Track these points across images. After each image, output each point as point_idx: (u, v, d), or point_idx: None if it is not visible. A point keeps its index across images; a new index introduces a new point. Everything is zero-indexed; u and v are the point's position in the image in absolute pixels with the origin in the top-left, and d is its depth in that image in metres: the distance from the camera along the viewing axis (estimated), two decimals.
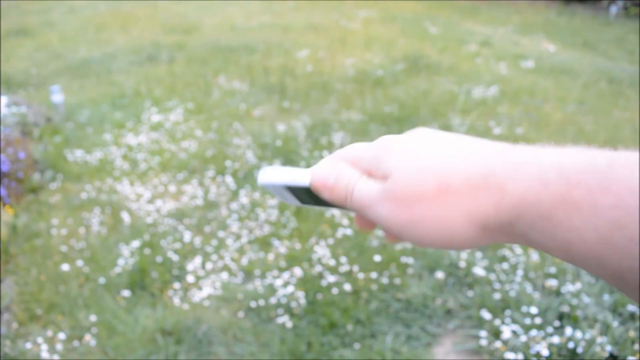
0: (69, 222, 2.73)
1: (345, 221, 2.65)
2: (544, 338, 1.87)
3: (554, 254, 0.27)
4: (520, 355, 1.80)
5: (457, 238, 0.30)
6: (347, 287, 2.17)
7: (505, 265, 2.28)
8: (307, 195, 0.42)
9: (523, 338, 1.87)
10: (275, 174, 0.42)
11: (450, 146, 0.31)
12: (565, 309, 2.00)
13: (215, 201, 2.92)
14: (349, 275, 2.25)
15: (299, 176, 0.40)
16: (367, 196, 0.33)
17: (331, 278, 2.23)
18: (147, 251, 2.45)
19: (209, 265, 2.36)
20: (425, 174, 0.30)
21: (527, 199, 0.27)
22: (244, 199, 2.91)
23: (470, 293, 2.13)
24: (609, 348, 1.79)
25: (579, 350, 1.80)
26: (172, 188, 3.08)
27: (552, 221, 0.26)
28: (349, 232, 2.55)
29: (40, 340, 1.96)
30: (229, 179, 3.13)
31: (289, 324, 2.00)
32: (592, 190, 0.25)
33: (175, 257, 2.41)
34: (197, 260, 2.40)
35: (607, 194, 0.24)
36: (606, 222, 0.24)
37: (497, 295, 2.09)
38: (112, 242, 2.55)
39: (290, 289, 2.18)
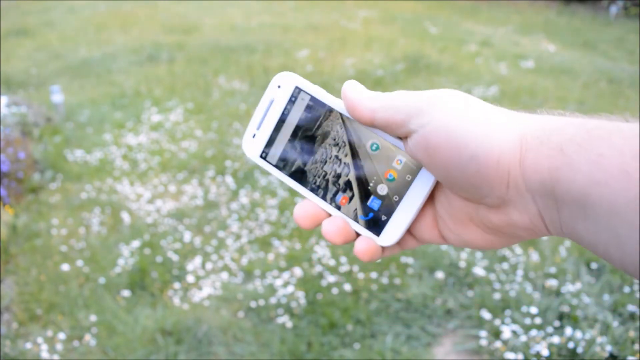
0: (69, 222, 2.73)
1: None
2: (544, 338, 1.87)
3: (580, 169, 0.27)
4: (520, 355, 1.80)
5: (495, 135, 0.30)
6: (347, 287, 2.17)
7: (505, 265, 2.28)
8: (305, 136, 0.39)
9: (523, 338, 1.87)
10: (308, 83, 0.39)
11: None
12: (565, 309, 2.00)
13: (215, 201, 2.92)
14: (349, 275, 2.25)
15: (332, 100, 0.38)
16: (405, 91, 0.35)
17: (331, 278, 2.23)
18: (147, 251, 2.45)
19: (209, 265, 2.36)
20: (480, 102, 0.33)
21: (574, 121, 0.30)
22: (244, 199, 2.91)
23: (470, 293, 2.13)
24: (609, 348, 1.79)
25: (579, 350, 1.80)
26: (172, 188, 3.08)
27: (592, 135, 0.28)
28: None
29: (40, 340, 1.96)
30: (229, 179, 3.13)
31: (289, 324, 2.00)
32: (633, 123, 0.28)
33: (175, 257, 2.41)
34: (197, 260, 2.40)
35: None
36: None
37: (497, 295, 2.09)
38: (112, 242, 2.55)
39: (290, 289, 2.18)
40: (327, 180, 0.39)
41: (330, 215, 0.39)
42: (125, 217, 2.76)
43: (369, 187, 0.38)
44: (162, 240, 2.54)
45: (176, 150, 3.56)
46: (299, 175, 0.39)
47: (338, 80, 4.93)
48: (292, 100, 0.39)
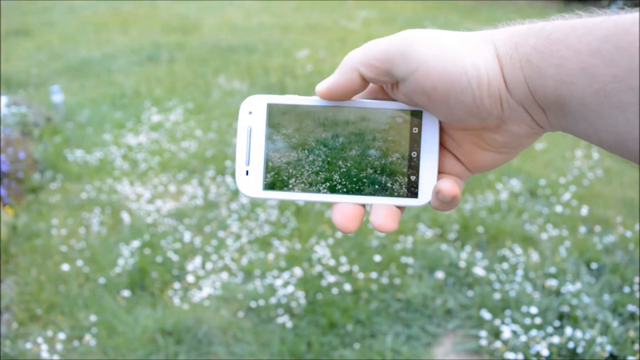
0: (69, 222, 2.73)
1: None
2: (544, 338, 1.87)
3: (547, 74, 0.30)
4: (520, 355, 1.80)
5: (479, 61, 0.32)
6: (347, 287, 2.17)
7: (505, 265, 2.28)
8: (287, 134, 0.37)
9: (523, 338, 1.87)
10: (278, 96, 0.38)
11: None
12: (565, 309, 2.00)
13: (215, 201, 2.92)
14: (349, 275, 2.25)
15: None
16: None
17: (331, 278, 2.23)
18: (147, 251, 2.45)
19: (209, 265, 2.36)
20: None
21: (534, 28, 0.32)
22: (244, 199, 2.91)
23: (470, 293, 2.13)
24: (609, 348, 1.79)
25: (579, 350, 1.80)
26: (172, 188, 3.08)
27: (551, 39, 0.30)
28: None
29: (40, 340, 1.96)
30: (229, 179, 3.13)
31: (289, 324, 2.00)
32: (585, 18, 0.30)
33: (175, 257, 2.41)
34: (197, 260, 2.40)
35: (599, 20, 0.30)
36: (596, 36, 0.29)
37: (497, 295, 2.09)
38: (112, 242, 2.55)
39: (290, 289, 2.18)
40: (346, 175, 0.37)
41: (363, 205, 0.37)
42: (125, 217, 2.76)
43: (389, 158, 0.37)
44: (162, 240, 2.54)
45: (176, 150, 3.56)
46: (317, 185, 0.37)
47: None
48: (271, 119, 0.37)
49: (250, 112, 0.38)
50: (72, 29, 7.51)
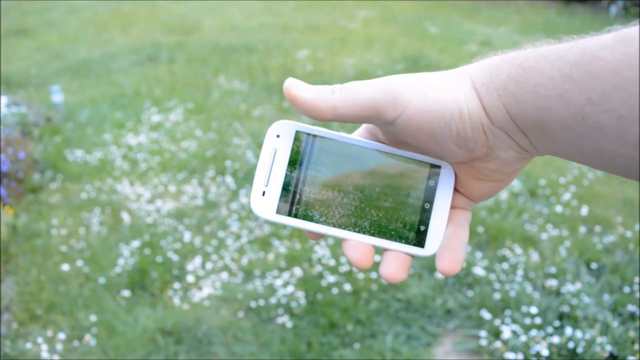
0: (69, 222, 2.73)
1: None
2: (544, 338, 1.87)
3: (525, 101, 0.31)
4: (520, 355, 1.80)
5: (458, 95, 0.34)
6: (347, 287, 2.17)
7: (505, 265, 2.28)
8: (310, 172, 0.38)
9: (523, 338, 1.87)
10: (307, 126, 0.38)
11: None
12: (565, 309, 2.00)
13: (215, 201, 2.92)
14: (349, 275, 2.25)
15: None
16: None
17: (331, 278, 2.23)
18: (147, 251, 2.45)
19: (209, 265, 2.36)
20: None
21: (506, 58, 0.33)
22: (244, 199, 2.91)
23: (470, 293, 2.13)
24: (609, 348, 1.79)
25: (579, 350, 1.80)
26: (172, 188, 3.08)
27: (524, 67, 0.31)
28: None
29: (40, 340, 1.96)
30: (229, 179, 3.14)
31: (289, 324, 2.00)
32: (555, 45, 0.31)
33: (175, 257, 2.41)
34: (197, 260, 2.40)
35: (567, 46, 0.31)
36: (566, 62, 0.29)
37: (497, 295, 2.09)
38: (112, 242, 2.55)
39: (290, 289, 2.18)
40: (360, 215, 0.38)
41: (370, 245, 0.38)
42: (125, 217, 2.76)
43: (402, 206, 0.38)
44: (162, 240, 2.54)
45: (176, 150, 3.56)
46: (329, 219, 0.38)
47: (338, 80, 4.93)
48: (297, 146, 0.38)
49: (278, 135, 0.38)
50: (72, 29, 7.51)
